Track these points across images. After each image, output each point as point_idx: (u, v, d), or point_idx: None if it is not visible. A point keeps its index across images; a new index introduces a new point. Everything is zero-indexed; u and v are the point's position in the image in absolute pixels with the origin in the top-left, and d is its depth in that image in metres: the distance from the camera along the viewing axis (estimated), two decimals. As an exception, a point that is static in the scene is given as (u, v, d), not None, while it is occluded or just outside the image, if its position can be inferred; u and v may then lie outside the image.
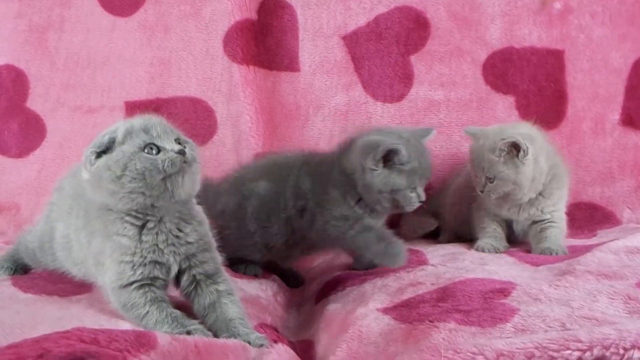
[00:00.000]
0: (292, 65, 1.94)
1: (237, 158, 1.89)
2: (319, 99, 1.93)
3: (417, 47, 1.93)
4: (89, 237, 1.16)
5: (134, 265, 1.10)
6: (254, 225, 1.49)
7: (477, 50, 1.93)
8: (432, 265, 1.44)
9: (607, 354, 0.87)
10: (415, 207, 1.41)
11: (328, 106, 1.93)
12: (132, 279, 1.10)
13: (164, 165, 1.06)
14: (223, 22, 1.92)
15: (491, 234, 1.59)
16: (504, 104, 1.91)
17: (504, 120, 1.89)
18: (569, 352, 0.87)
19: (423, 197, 1.41)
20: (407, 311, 1.13)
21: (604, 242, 1.38)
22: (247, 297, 1.37)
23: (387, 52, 1.93)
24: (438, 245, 1.69)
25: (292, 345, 1.23)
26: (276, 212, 1.47)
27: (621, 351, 0.87)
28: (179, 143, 1.12)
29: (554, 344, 0.88)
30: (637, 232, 1.44)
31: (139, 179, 1.06)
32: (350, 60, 1.94)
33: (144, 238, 1.10)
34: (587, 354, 0.87)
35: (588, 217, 1.82)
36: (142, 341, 0.93)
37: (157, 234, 1.10)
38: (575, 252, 1.40)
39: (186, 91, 1.91)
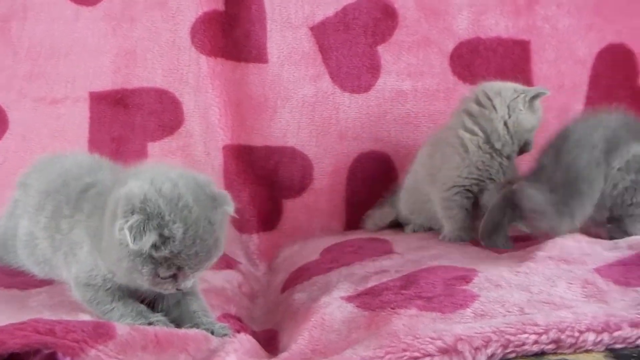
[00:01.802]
0: (260, 56, 1.93)
1: (205, 149, 1.88)
2: (287, 90, 1.92)
3: (384, 37, 1.93)
4: (72, 225, 1.15)
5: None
6: None
7: (444, 40, 1.93)
8: (398, 253, 1.44)
9: (563, 336, 0.88)
10: None
11: (296, 97, 1.92)
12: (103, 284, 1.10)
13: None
14: (190, 13, 1.89)
15: (459, 223, 1.60)
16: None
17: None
18: (525, 335, 0.88)
19: None
20: (370, 299, 1.13)
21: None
22: (212, 289, 1.37)
23: (354, 42, 1.93)
24: (404, 235, 1.70)
25: (256, 335, 1.23)
26: None
27: (576, 334, 0.88)
28: None
29: (512, 328, 0.89)
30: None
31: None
32: (318, 51, 1.93)
33: None
34: (544, 337, 0.88)
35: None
36: (100, 332, 0.92)
37: None
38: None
39: (152, 82, 1.89)
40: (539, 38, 1.94)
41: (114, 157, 1.76)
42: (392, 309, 1.04)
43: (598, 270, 1.11)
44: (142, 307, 1.11)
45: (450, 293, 1.08)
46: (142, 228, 0.96)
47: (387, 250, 1.49)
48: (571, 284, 1.07)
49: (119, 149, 1.86)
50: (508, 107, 1.55)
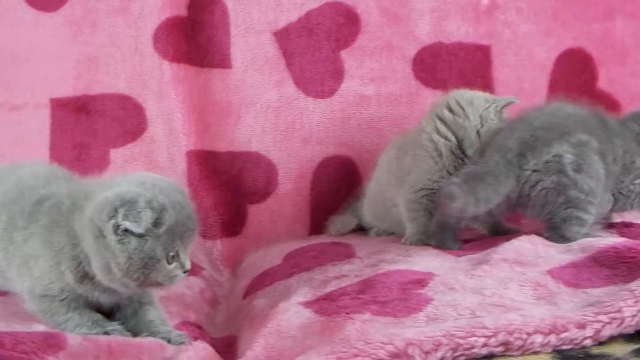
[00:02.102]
0: (224, 62, 1.93)
1: (169, 155, 1.87)
2: (250, 95, 1.93)
3: (347, 42, 1.94)
4: (26, 237, 1.13)
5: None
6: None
7: (406, 45, 1.95)
8: (359, 258, 1.45)
9: (511, 339, 0.90)
10: None
11: (260, 102, 1.92)
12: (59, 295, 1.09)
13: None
14: (153, 18, 1.89)
15: (422, 226, 1.60)
16: (433, 98, 1.93)
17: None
18: (474, 338, 0.90)
19: None
20: (327, 304, 1.14)
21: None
22: (172, 295, 1.36)
23: (318, 47, 1.93)
24: (367, 239, 1.71)
25: (215, 342, 1.23)
26: None
27: (524, 336, 0.90)
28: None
29: (461, 331, 0.91)
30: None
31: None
32: (282, 57, 1.94)
33: None
34: (492, 339, 0.90)
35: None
36: (51, 342, 0.92)
37: None
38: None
39: (115, 88, 1.88)
40: (499, 43, 1.96)
41: (75, 164, 1.79)
42: (347, 314, 1.05)
43: (550, 272, 1.13)
44: (98, 316, 1.10)
45: (405, 297, 1.09)
46: (135, 211, 0.99)
47: (348, 254, 1.50)
48: (523, 286, 1.08)
49: (81, 155, 1.84)
50: (480, 116, 1.58)
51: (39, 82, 1.86)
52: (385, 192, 1.68)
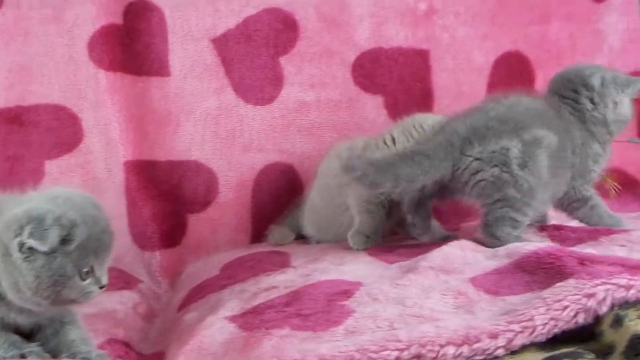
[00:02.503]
0: (162, 70, 1.90)
1: (106, 166, 1.84)
2: (189, 103, 1.90)
3: (286, 48, 1.93)
4: None
5: None
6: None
7: (346, 51, 1.95)
8: (293, 267, 1.45)
9: (424, 351, 0.90)
10: None
11: (199, 110, 1.90)
12: None
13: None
14: (87, 26, 1.85)
15: (376, 221, 1.58)
16: (373, 103, 1.95)
17: (374, 120, 1.92)
18: (387, 352, 0.90)
19: None
20: (252, 318, 1.13)
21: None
22: (101, 312, 1.35)
23: (256, 54, 1.92)
24: (306, 247, 1.71)
25: (144, 358, 1.22)
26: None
27: (437, 348, 0.90)
28: None
29: (375, 345, 0.91)
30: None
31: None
32: (221, 64, 1.92)
33: None
34: (405, 353, 0.90)
35: (454, 211, 1.87)
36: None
37: None
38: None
39: (49, 98, 1.84)
40: (437, 47, 1.98)
41: (8, 176, 1.76)
42: (267, 329, 1.04)
43: (473, 280, 1.13)
44: (16, 337, 1.07)
45: (328, 309, 1.09)
46: (41, 229, 0.96)
47: (284, 263, 1.49)
48: (444, 295, 1.09)
49: (14, 168, 1.80)
50: None
51: (-31, 93, 1.81)
52: (334, 199, 1.66)
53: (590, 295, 0.93)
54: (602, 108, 1.47)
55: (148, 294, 1.62)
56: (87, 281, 1.02)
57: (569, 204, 1.50)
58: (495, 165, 1.36)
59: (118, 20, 1.88)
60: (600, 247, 1.33)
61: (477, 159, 1.37)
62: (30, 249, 0.97)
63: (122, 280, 1.61)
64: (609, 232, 1.40)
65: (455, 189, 1.41)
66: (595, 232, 1.43)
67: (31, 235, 0.96)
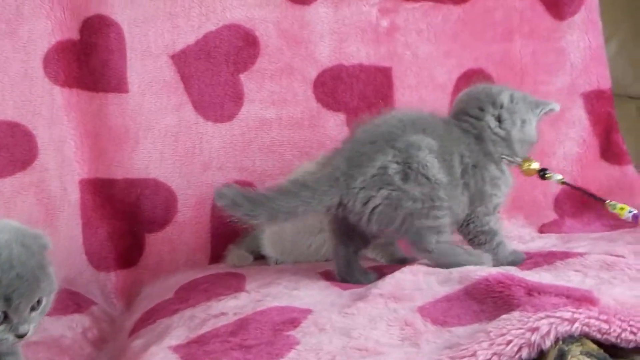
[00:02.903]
0: (119, 86, 1.87)
1: (61, 184, 1.80)
2: (148, 120, 1.87)
3: (246, 65, 1.91)
4: None
5: None
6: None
7: (307, 68, 1.93)
8: (246, 292, 1.42)
9: (362, 389, 0.88)
10: None
11: (158, 127, 1.87)
12: None
13: None
14: (42, 42, 1.81)
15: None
16: (335, 121, 1.93)
17: (336, 137, 1.90)
18: (325, 390, 0.87)
19: None
20: (196, 348, 1.10)
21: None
22: (46, 339, 1.31)
23: (216, 71, 1.90)
24: (264, 268, 1.68)
25: (86, 390, 1.18)
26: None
27: (374, 385, 0.88)
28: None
29: (312, 382, 0.88)
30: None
31: None
32: (180, 80, 1.89)
33: None
34: (343, 391, 0.87)
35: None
36: None
37: None
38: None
39: (2, 115, 1.79)
40: (400, 64, 1.97)
41: None
42: (208, 362, 1.01)
43: (421, 309, 1.11)
44: None
45: (272, 340, 1.06)
46: None
47: (238, 287, 1.45)
48: (391, 325, 1.07)
49: (-34, 186, 1.75)
50: None
51: None
52: (306, 220, 1.58)
53: (534, 329, 0.91)
54: (509, 124, 1.42)
55: (101, 317, 1.58)
56: (0, 328, 0.94)
57: (475, 235, 1.44)
58: (381, 188, 1.32)
59: (74, 35, 1.84)
60: (555, 272, 1.32)
61: (362, 188, 1.32)
62: None
63: (73, 302, 1.58)
64: (564, 255, 1.40)
65: (360, 223, 1.35)
66: (551, 255, 1.43)
67: None
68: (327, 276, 1.48)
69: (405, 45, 1.98)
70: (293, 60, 1.93)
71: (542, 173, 1.48)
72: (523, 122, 1.44)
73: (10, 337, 0.95)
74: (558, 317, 0.92)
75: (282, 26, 1.92)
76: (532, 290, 1.05)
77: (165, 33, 1.89)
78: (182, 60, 1.89)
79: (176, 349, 1.13)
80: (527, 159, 1.47)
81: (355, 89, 1.95)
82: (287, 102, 1.92)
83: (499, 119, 1.43)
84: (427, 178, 1.32)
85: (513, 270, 1.29)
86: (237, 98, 1.90)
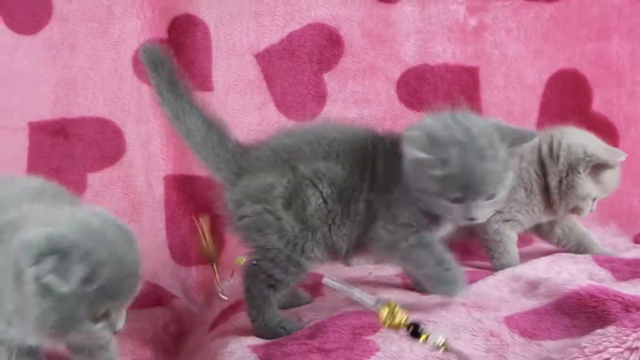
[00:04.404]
0: (205, 84, 1.89)
1: (147, 180, 1.85)
2: (232, 118, 1.87)
3: (330, 65, 1.90)
4: None
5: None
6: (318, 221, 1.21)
7: (391, 67, 1.90)
8: (323, 295, 1.40)
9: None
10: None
11: (241, 126, 1.88)
12: None
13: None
14: (132, 41, 1.86)
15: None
16: (418, 121, 1.88)
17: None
18: (406, 400, 0.84)
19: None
20: (274, 349, 1.09)
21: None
22: (130, 331, 1.31)
23: (300, 70, 1.89)
24: (341, 269, 1.65)
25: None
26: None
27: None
28: None
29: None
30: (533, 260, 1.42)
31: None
32: (263, 79, 1.90)
33: None
34: (425, 401, 0.84)
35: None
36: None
37: None
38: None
39: (93, 111, 1.86)
40: (487, 64, 1.90)
41: None
42: (286, 364, 1.00)
43: (507, 320, 1.06)
44: None
45: (352, 345, 1.04)
46: (65, 265, 0.83)
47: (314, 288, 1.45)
48: (475, 335, 1.02)
49: (58, 179, 1.79)
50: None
51: (17, 106, 1.85)
52: None
53: (633, 349, 0.85)
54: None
55: (182, 311, 1.61)
56: (99, 325, 0.90)
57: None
58: (258, 202, 1.21)
59: (163, 34, 1.88)
60: (653, 285, 1.24)
61: (242, 191, 1.23)
62: (46, 284, 0.85)
63: (156, 296, 1.61)
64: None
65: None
66: (649, 267, 1.34)
67: (53, 270, 0.84)
68: (405, 279, 1.45)
69: (494, 45, 1.91)
70: (376, 60, 1.90)
71: (412, 330, 1.00)
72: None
73: (108, 334, 0.93)
74: (660, 337, 0.86)
75: (366, 25, 1.89)
76: (630, 306, 0.98)
77: (250, 32, 1.90)
78: (266, 60, 1.90)
79: (255, 348, 1.12)
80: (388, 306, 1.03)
81: (440, 89, 1.90)
82: (369, 101, 1.89)
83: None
84: (304, 220, 1.20)
85: (606, 283, 1.22)
86: (320, 97, 1.89)
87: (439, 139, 1.13)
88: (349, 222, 1.20)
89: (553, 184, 1.52)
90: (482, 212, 1.13)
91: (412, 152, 1.13)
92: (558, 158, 1.53)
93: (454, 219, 1.16)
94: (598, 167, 1.51)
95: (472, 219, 1.13)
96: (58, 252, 0.84)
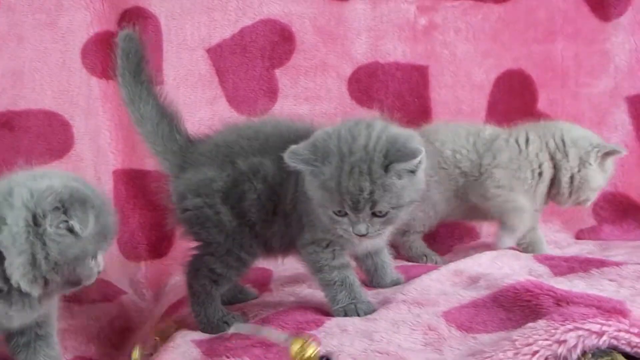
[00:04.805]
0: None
1: (96, 174, 1.82)
2: (183, 113, 1.85)
3: (282, 61, 1.90)
4: None
5: None
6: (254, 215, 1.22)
7: (342, 64, 1.91)
8: (270, 291, 1.41)
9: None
10: None
11: (192, 121, 1.85)
12: None
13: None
14: (81, 33, 1.83)
15: None
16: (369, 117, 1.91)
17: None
18: (342, 393, 0.86)
19: None
20: (218, 344, 1.10)
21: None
22: (74, 327, 1.34)
23: (251, 65, 1.89)
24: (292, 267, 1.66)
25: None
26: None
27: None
28: None
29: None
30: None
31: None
32: (215, 74, 1.89)
33: None
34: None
35: (448, 233, 1.83)
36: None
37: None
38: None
39: (41, 104, 1.82)
40: (437, 63, 1.93)
41: None
42: (227, 357, 1.01)
43: (446, 314, 1.09)
44: None
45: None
46: (84, 212, 0.99)
47: (263, 284, 1.46)
48: (414, 330, 1.05)
49: (3, 173, 1.78)
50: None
51: (-39, 98, 1.81)
52: None
53: (561, 342, 0.88)
54: None
55: (129, 307, 1.60)
56: (92, 263, 1.04)
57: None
58: (199, 196, 1.23)
59: (112, 27, 1.86)
60: (590, 280, 1.29)
61: (185, 184, 1.26)
62: (69, 228, 0.99)
63: (103, 292, 1.59)
64: (601, 263, 1.36)
65: None
66: (587, 262, 1.38)
67: (75, 217, 0.98)
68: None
69: (444, 44, 1.94)
70: (328, 57, 1.91)
71: None
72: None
73: (97, 272, 1.05)
74: (586, 330, 0.89)
75: (318, 22, 1.90)
76: (561, 300, 1.02)
77: (202, 27, 1.89)
78: (218, 54, 1.89)
79: (199, 343, 1.13)
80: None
81: (390, 87, 1.92)
82: (320, 98, 1.91)
83: None
84: (240, 214, 1.21)
85: (544, 278, 1.26)
86: (272, 93, 1.90)
87: (320, 151, 1.12)
88: (278, 219, 1.20)
89: (565, 179, 1.58)
90: (374, 228, 1.10)
91: (292, 162, 1.12)
92: (567, 155, 1.58)
93: (346, 232, 1.12)
94: (604, 157, 1.58)
95: (361, 235, 1.11)
96: (77, 201, 1.00)
